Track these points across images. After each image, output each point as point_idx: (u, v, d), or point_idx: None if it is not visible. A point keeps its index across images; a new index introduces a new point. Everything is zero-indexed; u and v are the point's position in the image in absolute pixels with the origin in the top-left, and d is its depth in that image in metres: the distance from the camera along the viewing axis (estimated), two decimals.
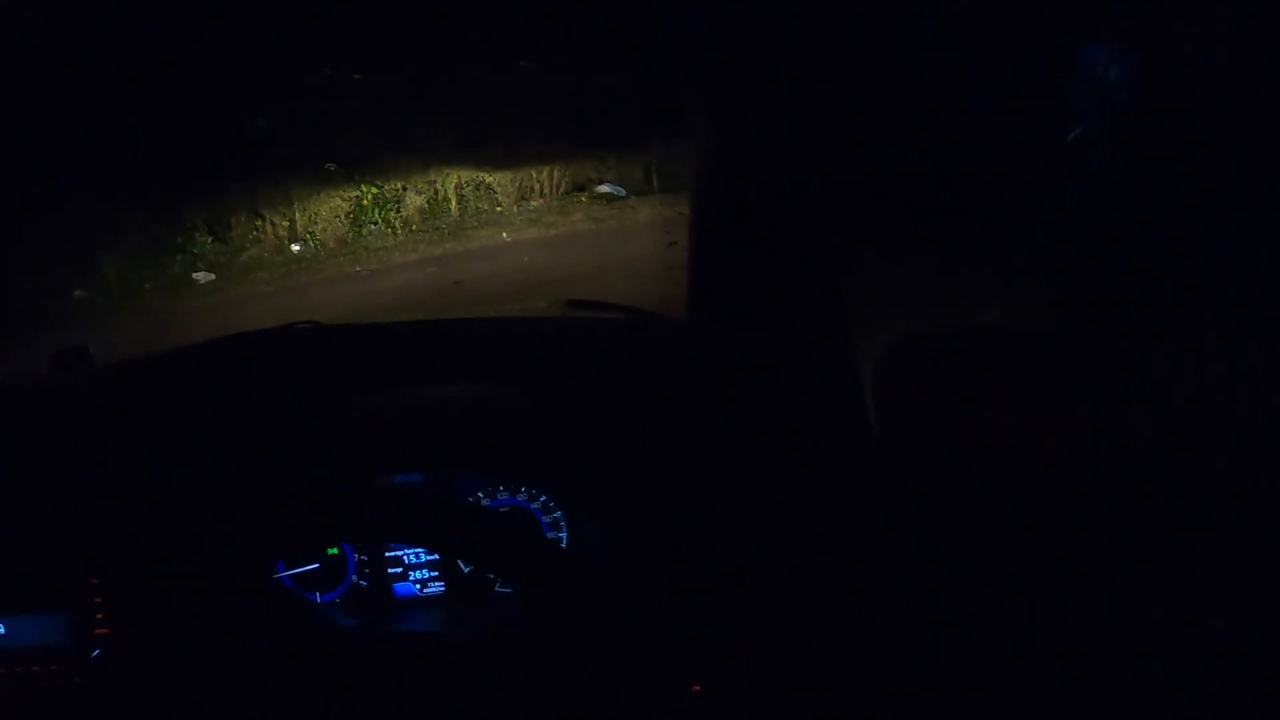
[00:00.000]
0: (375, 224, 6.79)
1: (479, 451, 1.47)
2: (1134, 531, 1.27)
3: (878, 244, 1.46)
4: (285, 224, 6.59)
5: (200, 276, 6.17)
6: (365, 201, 6.88)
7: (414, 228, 6.82)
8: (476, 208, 7.15)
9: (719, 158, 1.42)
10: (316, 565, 1.45)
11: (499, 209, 7.15)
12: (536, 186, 7.36)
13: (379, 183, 7.01)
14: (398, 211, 6.93)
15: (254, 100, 6.76)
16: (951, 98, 1.40)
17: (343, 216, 6.76)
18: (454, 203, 7.08)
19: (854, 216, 1.41)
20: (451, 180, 7.20)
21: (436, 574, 1.48)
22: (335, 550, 1.46)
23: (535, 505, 1.49)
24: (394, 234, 6.73)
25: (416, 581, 1.49)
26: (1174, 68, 1.60)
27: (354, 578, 1.47)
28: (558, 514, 1.49)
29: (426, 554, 1.48)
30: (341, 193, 6.88)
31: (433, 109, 7.50)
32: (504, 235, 6.78)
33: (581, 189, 7.52)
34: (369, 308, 5.48)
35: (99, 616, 1.27)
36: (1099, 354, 1.43)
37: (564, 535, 1.49)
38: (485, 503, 1.48)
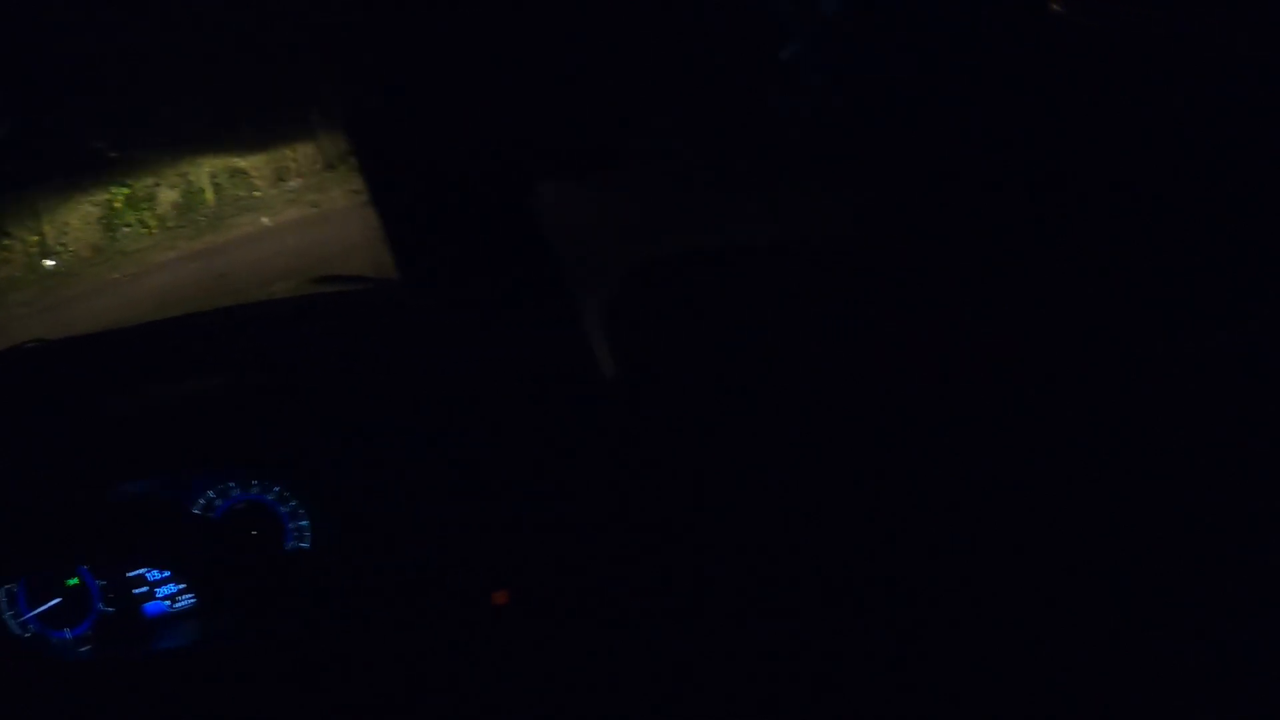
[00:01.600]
0: (130, 225, 6.61)
1: (204, 449, 1.43)
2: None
3: (560, 169, 1.29)
4: (35, 239, 6.41)
5: None
6: (117, 204, 6.67)
7: (170, 224, 6.67)
8: (234, 195, 7.02)
9: (367, 119, 1.25)
10: (58, 600, 1.43)
11: (257, 193, 7.04)
12: (293, 166, 7.29)
13: (129, 181, 6.79)
14: (152, 209, 6.74)
15: None
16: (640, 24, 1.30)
17: (94, 222, 6.56)
18: (210, 193, 6.97)
19: (529, 142, 1.24)
20: (205, 170, 7.05)
21: (184, 586, 1.44)
22: (75, 580, 1.43)
23: (270, 497, 1.45)
24: (150, 233, 6.56)
25: (166, 598, 1.45)
26: None
27: (100, 605, 1.44)
28: (293, 503, 1.45)
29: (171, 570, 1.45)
30: (91, 198, 6.66)
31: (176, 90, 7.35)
32: (264, 220, 6.70)
33: (340, 163, 7.53)
34: (132, 315, 5.45)
35: None
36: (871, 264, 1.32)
37: (305, 524, 1.46)
38: (219, 502, 1.44)
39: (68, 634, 1.44)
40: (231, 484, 1.46)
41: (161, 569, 1.45)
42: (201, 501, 1.45)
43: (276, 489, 1.46)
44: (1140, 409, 1.19)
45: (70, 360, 1.60)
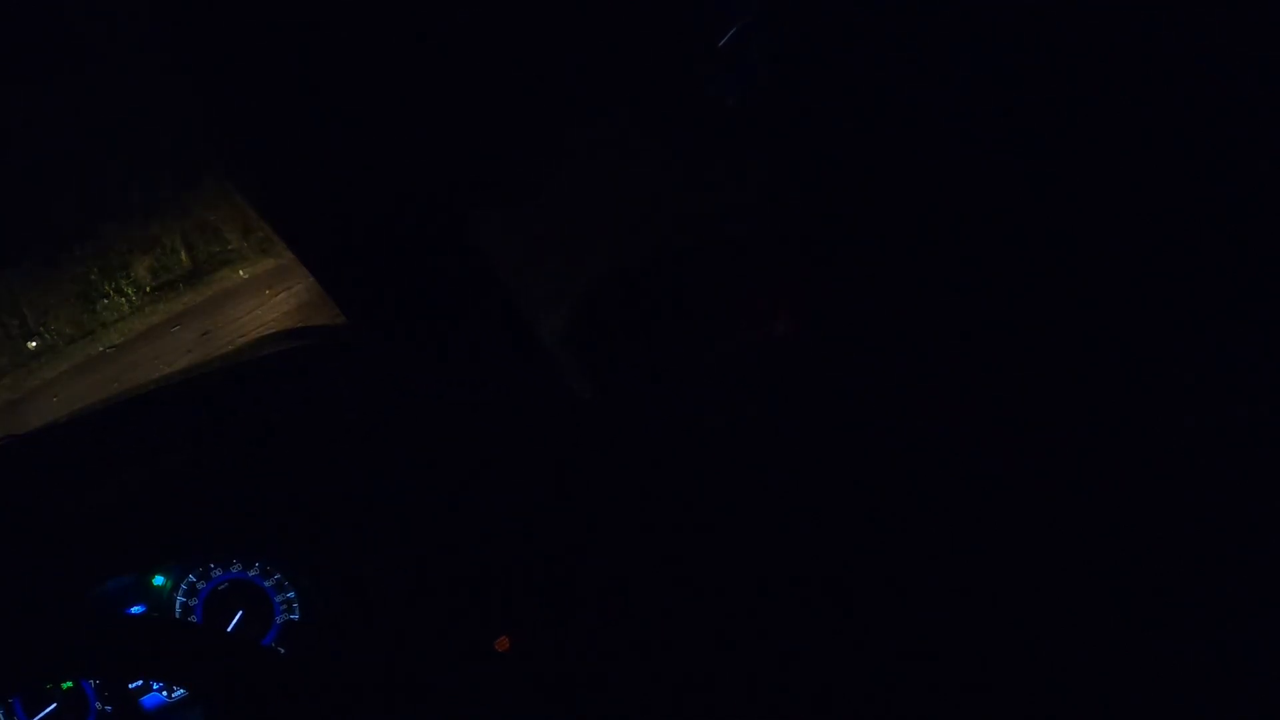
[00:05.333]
0: (108, 297, 6.64)
1: (174, 542, 1.43)
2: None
3: (489, 197, 1.27)
4: (16, 324, 6.40)
5: None
6: (92, 276, 6.71)
7: (148, 289, 6.71)
8: (208, 251, 7.04)
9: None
10: (55, 705, 1.44)
11: (230, 246, 7.07)
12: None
13: (102, 253, 6.83)
14: (128, 277, 6.79)
15: None
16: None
17: (73, 299, 6.58)
18: (183, 253, 6.99)
19: (450, 176, 1.21)
20: (176, 231, 7.08)
21: None
22: (69, 683, 1.43)
23: (253, 573, 1.46)
24: (129, 302, 6.62)
25: (162, 689, 1.46)
26: None
27: (98, 705, 1.45)
28: (277, 576, 1.46)
29: None
30: (65, 274, 6.68)
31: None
32: (240, 272, 6.75)
33: None
34: (119, 388, 5.42)
35: None
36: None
37: (293, 595, 1.46)
38: (201, 585, 1.46)
39: None
40: (212, 565, 1.45)
41: (151, 680, 1.43)
42: (184, 587, 1.44)
43: (258, 564, 1.45)
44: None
45: (38, 454, 1.55)
